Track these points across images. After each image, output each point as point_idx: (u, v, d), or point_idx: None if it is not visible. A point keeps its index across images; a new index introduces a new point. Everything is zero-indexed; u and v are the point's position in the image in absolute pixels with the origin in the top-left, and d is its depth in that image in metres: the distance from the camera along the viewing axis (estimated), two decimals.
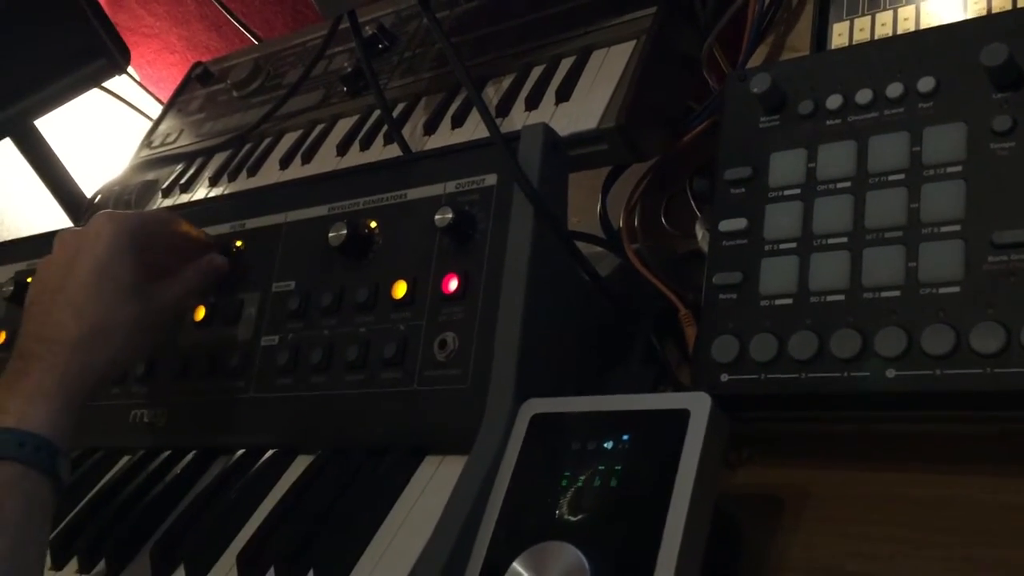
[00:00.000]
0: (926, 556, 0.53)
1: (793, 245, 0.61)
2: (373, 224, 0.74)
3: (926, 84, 0.60)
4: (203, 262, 0.78)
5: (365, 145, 0.91)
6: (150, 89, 1.57)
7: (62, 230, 0.75)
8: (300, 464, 0.71)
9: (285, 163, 0.97)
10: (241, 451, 0.74)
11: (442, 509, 0.58)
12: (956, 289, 0.54)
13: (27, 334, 0.68)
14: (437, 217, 0.67)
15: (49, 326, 0.67)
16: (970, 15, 0.68)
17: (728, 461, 0.62)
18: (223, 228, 0.83)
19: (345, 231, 0.72)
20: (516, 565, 0.52)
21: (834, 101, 0.63)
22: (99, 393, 0.69)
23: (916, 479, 0.57)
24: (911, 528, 0.55)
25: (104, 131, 1.53)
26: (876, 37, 0.72)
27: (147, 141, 1.21)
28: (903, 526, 0.55)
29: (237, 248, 0.81)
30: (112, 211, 0.73)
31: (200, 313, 0.81)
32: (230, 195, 0.98)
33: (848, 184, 0.60)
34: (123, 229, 0.71)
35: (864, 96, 0.62)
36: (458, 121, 0.85)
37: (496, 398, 0.62)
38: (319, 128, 0.99)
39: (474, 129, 0.83)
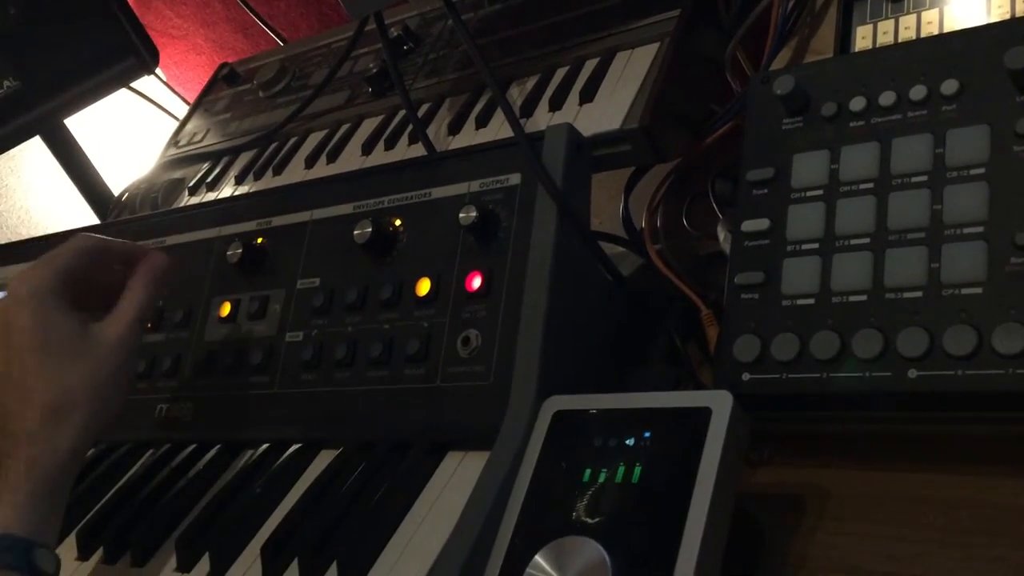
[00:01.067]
0: (948, 556, 0.53)
1: (815, 246, 0.61)
2: (398, 222, 0.74)
3: (949, 87, 0.60)
4: (142, 273, 0.72)
5: (390, 145, 0.92)
6: (177, 89, 1.58)
7: None
8: (323, 459, 0.71)
9: (311, 162, 0.98)
10: (265, 445, 0.75)
11: (464, 504, 0.59)
12: (978, 290, 0.54)
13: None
14: (461, 216, 0.68)
15: (5, 419, 0.64)
16: (993, 18, 0.68)
17: (749, 460, 0.63)
18: (249, 225, 0.84)
19: (370, 229, 0.72)
20: (538, 558, 0.53)
21: (857, 103, 0.63)
22: (80, 461, 0.65)
23: (938, 480, 0.57)
24: (933, 528, 0.55)
25: (132, 130, 1.55)
26: (899, 40, 0.72)
27: (174, 140, 1.22)
28: (925, 527, 0.55)
29: (259, 244, 0.82)
30: (24, 271, 0.68)
31: (226, 309, 0.82)
32: (256, 193, 0.99)
33: (871, 185, 0.61)
34: (42, 288, 0.66)
35: (887, 98, 0.62)
36: (482, 121, 0.85)
37: (518, 395, 0.62)
38: (344, 128, 1.00)
39: (498, 129, 0.83)
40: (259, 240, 0.82)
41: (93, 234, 0.72)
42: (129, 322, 0.69)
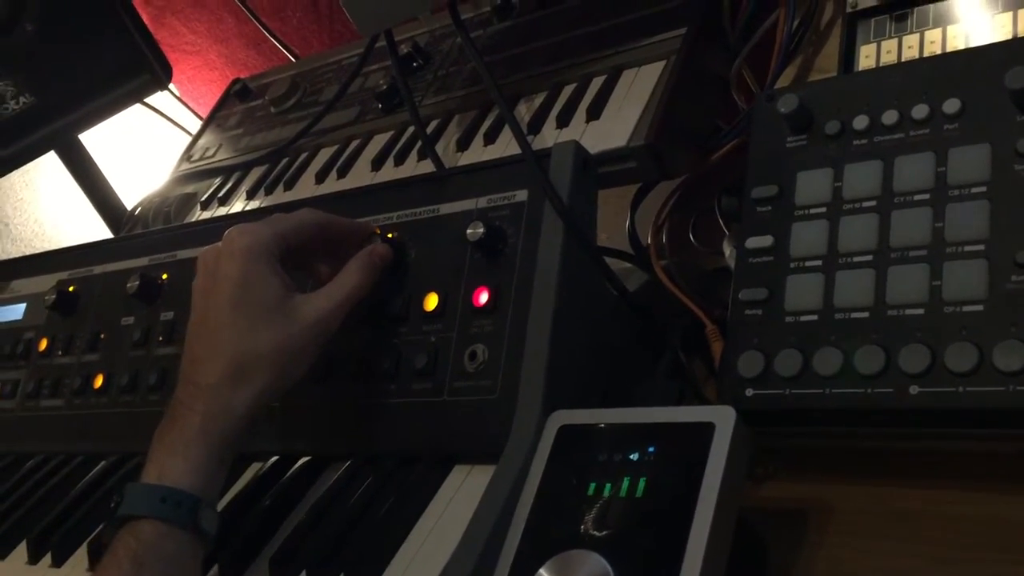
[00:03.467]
0: (951, 572, 0.54)
1: (818, 263, 0.62)
2: (398, 235, 0.75)
3: (951, 106, 0.61)
4: (362, 257, 0.70)
5: (399, 161, 0.93)
6: (190, 104, 1.60)
7: (204, 249, 0.68)
8: (332, 472, 0.72)
9: (321, 178, 0.99)
10: (274, 458, 0.76)
11: (470, 517, 0.59)
12: (980, 307, 0.55)
13: (180, 374, 0.65)
14: (469, 231, 0.69)
15: (192, 367, 0.64)
16: (996, 38, 0.69)
17: (752, 475, 0.63)
18: None
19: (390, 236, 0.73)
20: (543, 572, 0.53)
21: (861, 122, 0.64)
22: (254, 424, 0.65)
23: (940, 495, 0.58)
24: (936, 544, 0.55)
25: (145, 145, 1.56)
26: (903, 59, 0.73)
27: (187, 155, 1.24)
28: (927, 542, 0.56)
29: None
30: (245, 225, 0.67)
31: None
32: (267, 208, 1.00)
33: (873, 203, 0.61)
34: (259, 244, 0.65)
35: (890, 117, 0.63)
36: (490, 138, 0.86)
37: (524, 409, 0.63)
38: (354, 144, 1.02)
39: (506, 146, 0.84)
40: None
41: (320, 210, 0.71)
42: (336, 302, 0.67)
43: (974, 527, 0.55)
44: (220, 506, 0.73)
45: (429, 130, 0.92)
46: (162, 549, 0.58)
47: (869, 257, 0.60)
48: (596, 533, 0.53)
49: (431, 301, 0.71)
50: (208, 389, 0.63)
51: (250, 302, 0.64)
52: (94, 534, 0.77)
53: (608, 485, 0.55)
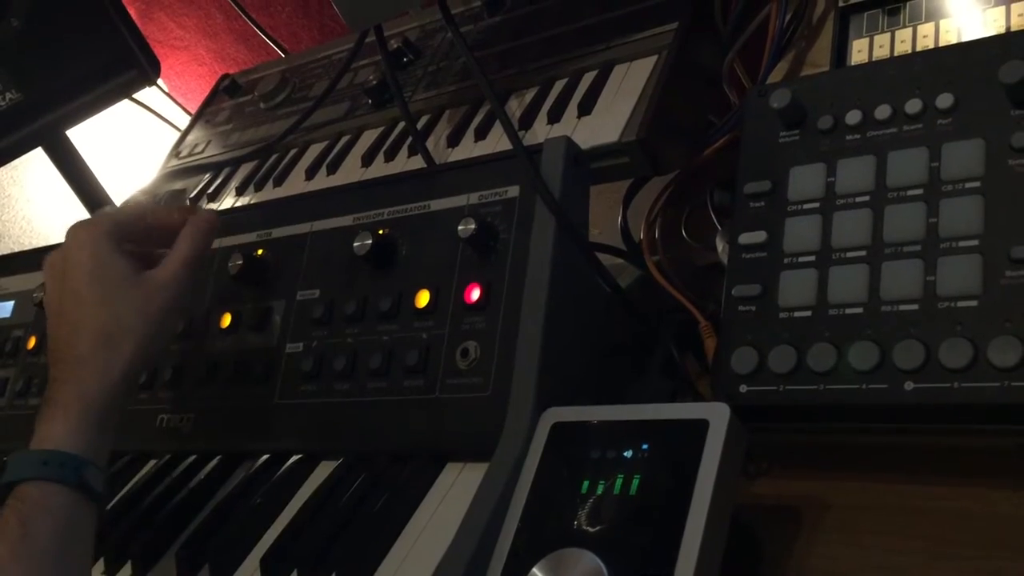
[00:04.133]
0: (944, 568, 0.54)
1: (812, 258, 0.61)
2: (389, 232, 0.75)
3: (945, 100, 0.61)
4: (189, 227, 0.75)
5: (389, 157, 0.92)
6: (178, 100, 1.59)
7: (49, 254, 0.74)
8: (323, 470, 0.72)
9: (311, 174, 0.99)
10: (265, 456, 0.76)
11: (463, 515, 0.59)
12: (974, 303, 0.55)
13: (49, 362, 0.69)
14: (460, 228, 0.68)
15: (58, 347, 0.68)
16: (989, 33, 0.69)
17: (746, 472, 0.63)
18: (249, 237, 0.85)
19: (370, 241, 0.73)
20: (536, 571, 0.53)
21: (853, 117, 0.64)
22: (130, 390, 0.69)
23: (934, 491, 0.57)
24: (929, 540, 0.55)
25: (133, 141, 1.55)
26: (895, 54, 0.72)
27: (175, 151, 1.23)
28: (921, 538, 0.56)
29: (260, 255, 0.82)
30: (83, 219, 0.74)
31: (226, 320, 0.82)
32: (256, 204, 1.00)
33: (867, 198, 0.61)
34: (99, 231, 0.71)
35: (883, 112, 0.63)
36: (481, 134, 0.86)
37: (517, 406, 0.63)
38: (344, 140, 1.01)
39: (497, 142, 0.84)
40: (259, 252, 0.82)
41: (144, 201, 0.79)
42: (176, 267, 0.72)
43: (969, 523, 0.55)
44: (211, 504, 0.73)
45: (419, 126, 0.92)
46: (49, 507, 0.60)
47: (863, 252, 0.60)
48: (590, 531, 0.53)
49: (422, 298, 0.71)
50: (79, 360, 0.66)
51: (103, 278, 0.69)
52: None
53: (602, 483, 0.55)
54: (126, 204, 0.78)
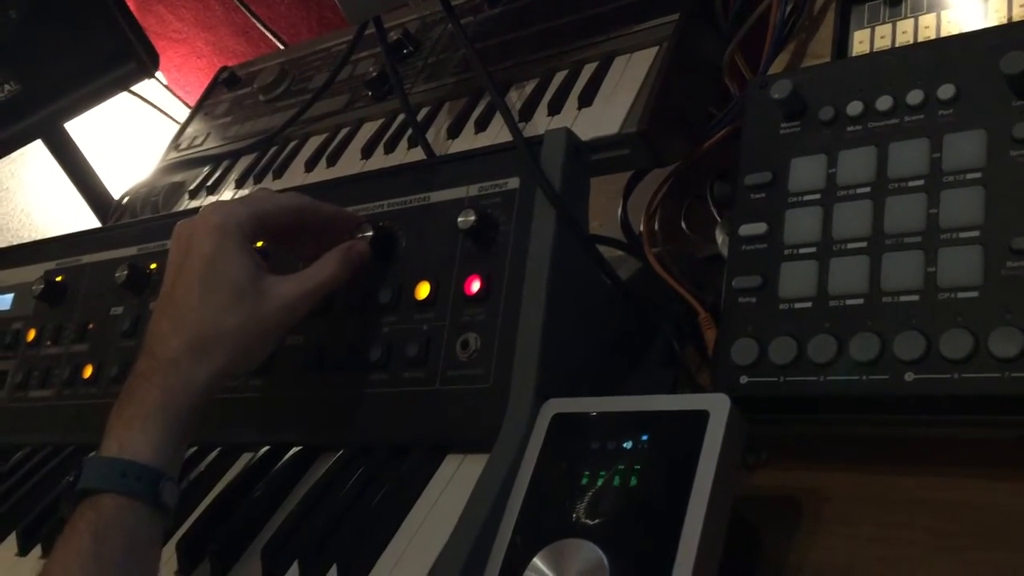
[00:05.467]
0: (944, 559, 0.53)
1: (812, 249, 0.61)
2: (389, 224, 0.74)
3: (946, 91, 0.60)
4: (341, 250, 0.70)
5: (389, 149, 0.92)
6: (177, 93, 1.59)
7: (179, 222, 0.68)
8: (323, 462, 0.72)
9: (310, 166, 0.99)
10: (265, 448, 0.75)
11: (463, 506, 0.59)
12: (975, 294, 0.55)
13: (142, 346, 0.65)
14: (460, 220, 0.68)
15: (155, 339, 0.64)
16: (990, 23, 0.68)
17: (746, 463, 0.63)
18: None
19: (370, 232, 0.73)
20: (536, 561, 0.53)
21: (855, 108, 0.63)
22: (211, 398, 0.64)
23: (934, 483, 0.57)
24: (929, 531, 0.55)
25: (132, 134, 1.55)
26: (897, 45, 0.72)
27: (174, 144, 1.23)
28: (921, 529, 0.55)
29: (259, 247, 0.82)
30: (222, 202, 0.66)
31: None
32: None
33: (868, 189, 0.61)
34: (232, 223, 0.65)
35: (884, 103, 0.62)
36: (481, 125, 0.86)
37: (517, 398, 0.62)
38: (344, 132, 1.01)
39: (497, 133, 0.84)
40: (259, 243, 0.82)
41: (305, 195, 0.71)
42: (305, 289, 0.67)
43: (969, 514, 0.55)
44: (210, 497, 0.73)
45: (419, 118, 0.92)
46: (123, 523, 0.58)
47: (863, 244, 0.60)
48: (590, 522, 0.53)
49: (423, 290, 0.70)
50: (168, 363, 0.62)
51: (219, 280, 0.64)
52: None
53: (602, 474, 0.55)
54: (285, 195, 0.70)
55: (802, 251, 0.62)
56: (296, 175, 0.99)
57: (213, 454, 0.78)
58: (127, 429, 0.60)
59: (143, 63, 1.23)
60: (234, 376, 0.66)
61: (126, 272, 0.88)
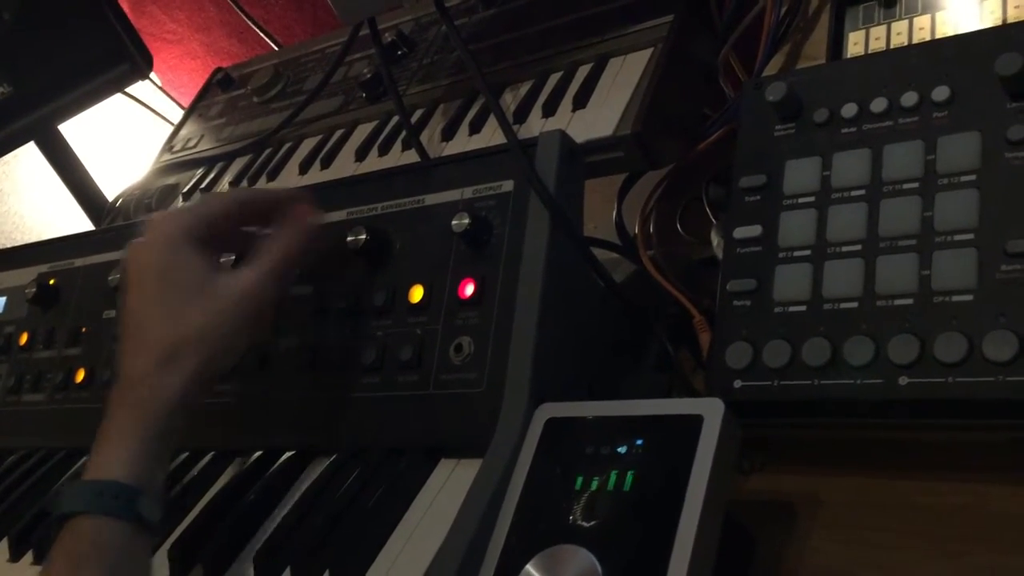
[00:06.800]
0: (941, 563, 0.53)
1: (807, 252, 0.61)
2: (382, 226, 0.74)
3: (941, 93, 0.60)
4: (286, 226, 0.69)
5: (384, 151, 0.92)
6: (171, 94, 1.58)
7: (128, 246, 0.67)
8: (316, 466, 0.71)
9: (304, 168, 0.98)
10: (258, 453, 0.75)
11: (457, 511, 0.59)
12: (969, 297, 0.55)
13: (115, 371, 0.65)
14: (454, 222, 0.68)
15: (122, 362, 0.64)
16: (985, 25, 0.68)
17: (741, 467, 0.63)
18: None
19: (364, 235, 0.72)
20: (529, 567, 0.53)
21: (849, 110, 0.63)
22: (191, 409, 0.63)
23: (929, 487, 0.57)
24: (923, 536, 0.55)
25: (126, 135, 1.55)
26: (891, 46, 0.72)
27: (168, 145, 1.22)
28: (915, 534, 0.55)
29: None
30: (164, 212, 0.67)
31: None
32: None
33: (862, 192, 0.61)
34: (178, 231, 0.65)
35: (879, 105, 0.62)
36: (476, 127, 0.85)
37: (511, 402, 0.62)
38: (338, 133, 1.01)
39: (491, 135, 0.83)
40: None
41: (246, 188, 0.69)
42: (264, 271, 0.66)
43: (964, 518, 0.55)
44: (203, 502, 0.73)
45: (414, 119, 0.91)
46: (104, 543, 0.57)
47: (858, 247, 0.59)
48: (584, 527, 0.53)
49: (416, 293, 0.70)
50: (139, 380, 0.62)
51: (173, 288, 0.63)
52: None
53: (596, 478, 0.54)
54: (225, 192, 0.70)
55: (797, 254, 0.62)
56: (290, 177, 0.99)
57: (206, 459, 0.78)
58: (103, 451, 0.61)
59: (137, 64, 1.23)
60: (210, 380, 0.65)
61: (119, 275, 0.88)
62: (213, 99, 1.24)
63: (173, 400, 0.62)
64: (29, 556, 0.77)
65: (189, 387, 0.63)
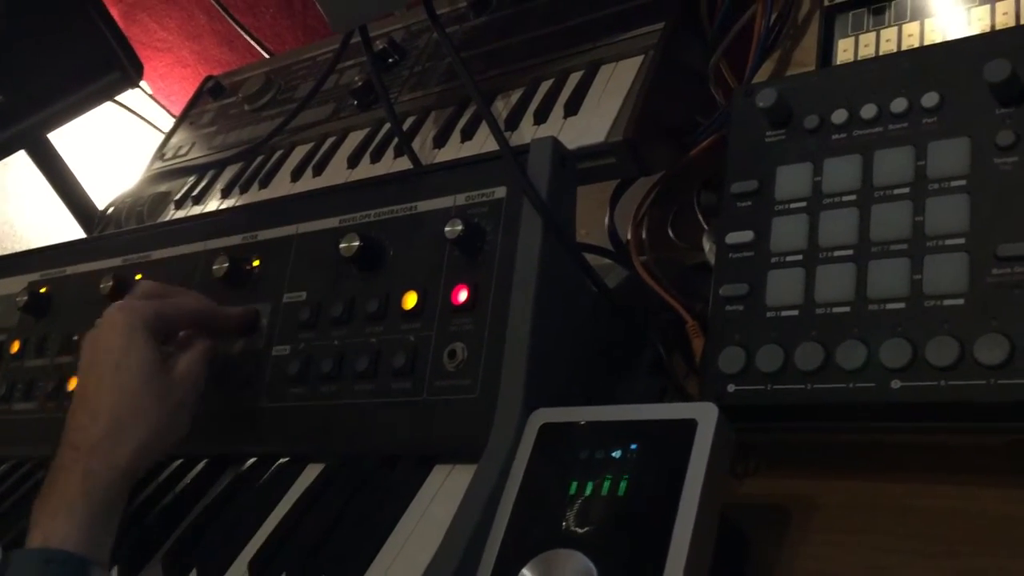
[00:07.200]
0: (932, 566, 0.54)
1: (799, 257, 0.61)
2: (375, 233, 0.74)
3: (930, 99, 0.61)
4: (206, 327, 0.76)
5: (375, 158, 0.92)
6: (162, 102, 1.58)
7: (87, 333, 0.72)
8: (311, 473, 0.71)
9: (296, 175, 0.98)
10: (252, 459, 0.75)
11: (451, 518, 0.59)
12: (960, 301, 0.55)
13: (60, 442, 0.67)
14: (447, 229, 0.68)
15: (72, 432, 0.66)
16: (974, 31, 0.69)
17: (735, 471, 0.63)
18: (235, 239, 0.84)
19: (357, 242, 0.73)
20: (525, 572, 0.53)
21: (839, 116, 0.64)
22: (134, 480, 0.66)
23: (922, 490, 0.58)
24: (917, 539, 0.55)
25: (117, 144, 1.54)
26: (881, 53, 0.73)
27: (159, 153, 1.22)
28: (909, 537, 0.56)
29: (245, 258, 0.82)
30: (123, 302, 0.72)
31: None
32: (242, 207, 0.99)
33: (853, 197, 0.61)
34: (138, 320, 0.70)
35: (869, 111, 0.63)
36: (467, 135, 0.86)
37: (505, 408, 0.62)
38: (330, 141, 1.01)
39: (483, 142, 0.84)
40: (256, 263, 0.82)
41: (206, 300, 0.77)
42: (196, 359, 0.72)
43: (956, 521, 0.55)
44: (198, 508, 0.73)
45: (406, 127, 0.92)
46: None
47: (850, 252, 0.60)
48: (579, 532, 0.53)
49: (410, 300, 0.70)
50: (90, 450, 0.64)
51: (130, 367, 0.68)
52: None
53: (590, 483, 0.55)
54: (190, 297, 0.77)
55: (789, 259, 0.62)
56: (282, 185, 0.99)
57: (200, 466, 0.78)
58: (51, 519, 0.61)
59: (127, 73, 1.23)
60: (155, 455, 0.68)
61: (111, 283, 0.88)
62: (204, 107, 1.24)
63: (124, 469, 0.65)
64: None
65: (136, 459, 0.66)
